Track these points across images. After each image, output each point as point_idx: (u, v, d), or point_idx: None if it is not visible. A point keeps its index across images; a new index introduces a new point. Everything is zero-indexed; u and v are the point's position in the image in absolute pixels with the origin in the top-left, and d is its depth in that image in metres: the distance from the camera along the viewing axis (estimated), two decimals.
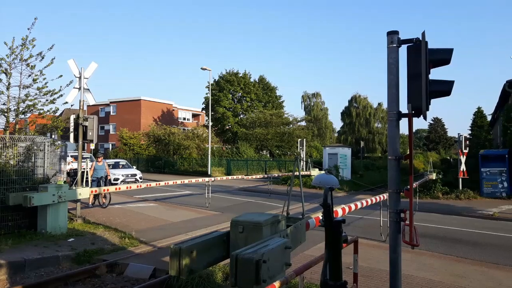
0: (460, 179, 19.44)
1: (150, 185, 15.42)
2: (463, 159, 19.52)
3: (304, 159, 27.70)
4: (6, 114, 10.46)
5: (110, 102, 60.46)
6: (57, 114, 12.24)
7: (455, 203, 16.93)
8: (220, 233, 3.60)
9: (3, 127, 10.59)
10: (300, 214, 4.66)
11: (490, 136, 32.40)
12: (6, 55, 10.41)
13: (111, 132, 60.10)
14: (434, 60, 4.11)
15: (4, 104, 10.43)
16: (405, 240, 4.02)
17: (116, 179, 22.33)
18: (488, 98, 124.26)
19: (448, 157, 40.32)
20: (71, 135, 11.38)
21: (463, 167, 19.43)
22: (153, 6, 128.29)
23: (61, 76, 11.33)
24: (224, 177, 22.80)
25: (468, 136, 22.53)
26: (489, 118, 38.35)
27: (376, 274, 6.86)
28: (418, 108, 3.97)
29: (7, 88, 10.44)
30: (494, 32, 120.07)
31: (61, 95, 11.08)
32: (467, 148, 20.11)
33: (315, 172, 23.93)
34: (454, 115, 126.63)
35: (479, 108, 42.61)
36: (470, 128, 42.45)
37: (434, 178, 19.60)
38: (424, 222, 11.93)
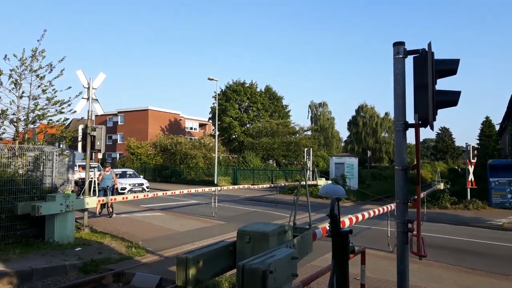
0: (468, 189, 19.26)
1: (156, 194, 15.46)
2: (471, 169, 19.36)
3: (311, 169, 27.65)
4: (15, 124, 10.59)
5: (118, 112, 60.98)
6: (66, 124, 12.37)
7: (464, 213, 16.76)
8: (226, 243, 3.59)
9: (13, 136, 10.71)
10: (307, 224, 4.64)
11: (499, 146, 32.13)
12: (16, 67, 10.57)
13: (118, 142, 60.49)
14: (441, 70, 4.12)
15: (14, 114, 10.57)
16: (413, 250, 3.99)
17: (123, 189, 22.41)
18: (496, 107, 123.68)
19: (456, 167, 40.08)
20: (79, 145, 11.49)
21: (471, 177, 19.26)
22: (161, 17, 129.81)
23: (70, 87, 11.53)
24: (231, 187, 22.78)
25: (476, 146, 22.38)
26: (497, 127, 38.10)
27: (383, 285, 6.80)
28: (425, 118, 3.97)
29: (20, 99, 10.58)
30: (502, 41, 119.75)
31: (70, 105, 11.22)
32: (475, 157, 19.95)
33: (321, 181, 23.85)
34: (462, 124, 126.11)
35: (487, 117, 42.45)
36: (478, 138, 42.25)
37: (442, 188, 19.46)
38: (432, 233, 11.82)
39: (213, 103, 49.21)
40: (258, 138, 46.29)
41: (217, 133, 38.87)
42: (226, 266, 3.51)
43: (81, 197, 10.97)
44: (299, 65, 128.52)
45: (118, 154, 59.22)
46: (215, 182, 33.22)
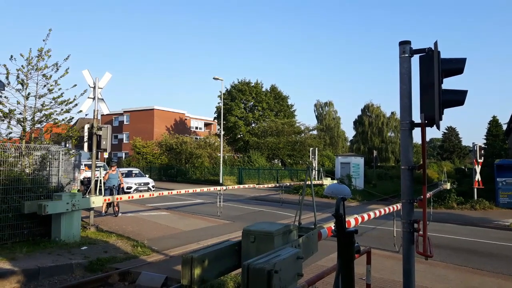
0: (475, 189, 19.14)
1: (162, 193, 15.51)
2: (478, 168, 19.23)
3: (316, 168, 27.60)
4: (22, 123, 10.65)
5: (124, 112, 61.23)
6: (72, 123, 12.44)
7: (470, 214, 16.66)
8: (231, 243, 3.59)
9: (19, 136, 10.78)
10: (312, 224, 4.63)
11: (506, 145, 31.89)
12: (22, 66, 10.63)
13: (124, 141, 60.73)
14: (447, 70, 4.09)
15: (20, 113, 10.63)
16: (419, 251, 3.97)
17: (129, 188, 22.51)
18: (504, 106, 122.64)
19: (463, 167, 39.84)
20: (85, 144, 11.54)
21: (478, 176, 19.13)
22: (166, 17, 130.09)
23: (75, 85, 11.57)
24: (236, 186, 22.81)
25: (483, 146, 22.22)
26: (504, 127, 37.80)
27: (389, 285, 6.77)
28: (431, 118, 3.94)
29: (27, 98, 10.65)
30: (509, 40, 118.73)
31: (76, 105, 11.28)
32: (482, 157, 19.81)
33: (327, 181, 23.81)
34: (469, 124, 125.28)
35: (494, 117, 42.16)
36: (485, 137, 41.97)
37: (448, 188, 19.36)
38: (438, 233, 11.75)
39: (218, 103, 49.26)
40: (263, 137, 46.29)
41: (222, 132, 38.90)
42: (231, 265, 3.51)
43: (87, 196, 11.02)
44: (305, 64, 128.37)
45: (124, 154, 59.45)
46: (221, 182, 33.26)
